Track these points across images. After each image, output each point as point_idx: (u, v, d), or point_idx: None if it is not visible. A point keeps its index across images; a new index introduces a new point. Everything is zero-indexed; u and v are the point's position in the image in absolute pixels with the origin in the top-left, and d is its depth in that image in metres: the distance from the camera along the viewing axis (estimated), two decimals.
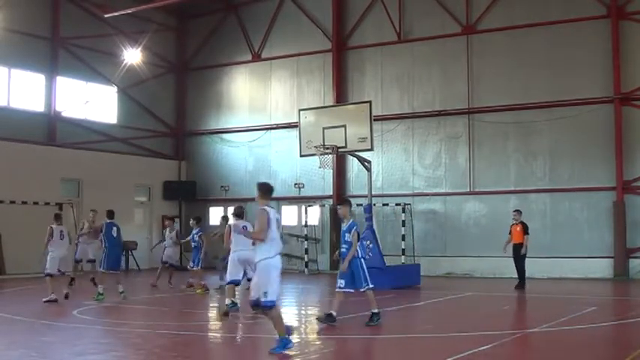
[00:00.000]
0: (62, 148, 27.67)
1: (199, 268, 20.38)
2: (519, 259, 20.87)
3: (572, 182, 24.86)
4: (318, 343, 12.12)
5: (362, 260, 13.23)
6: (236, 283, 15.28)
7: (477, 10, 26.61)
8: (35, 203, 25.60)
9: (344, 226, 13.45)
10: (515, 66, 25.90)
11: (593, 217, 24.57)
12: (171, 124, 32.87)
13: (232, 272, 15.22)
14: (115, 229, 18.22)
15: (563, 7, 25.28)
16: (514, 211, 21.53)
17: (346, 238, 13.23)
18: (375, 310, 13.05)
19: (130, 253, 28.70)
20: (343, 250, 13.23)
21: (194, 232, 20.87)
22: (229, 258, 15.40)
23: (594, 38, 24.85)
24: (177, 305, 17.74)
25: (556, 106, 25.00)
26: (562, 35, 25.19)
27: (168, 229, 22.66)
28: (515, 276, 24.41)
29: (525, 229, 20.75)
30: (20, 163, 25.63)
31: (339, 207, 13.91)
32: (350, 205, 13.85)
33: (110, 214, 18.44)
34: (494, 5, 26.27)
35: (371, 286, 13.14)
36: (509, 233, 21.07)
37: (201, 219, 22.99)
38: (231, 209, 30.61)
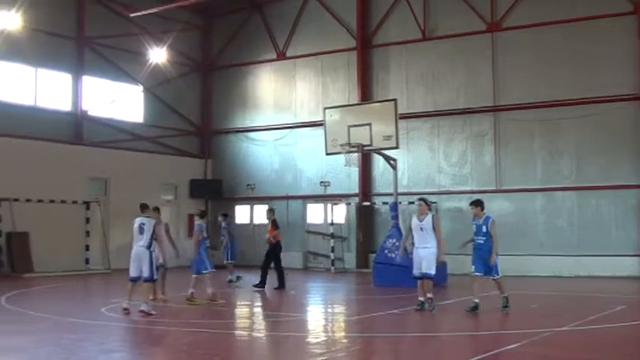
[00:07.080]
0: (89, 147, 27.85)
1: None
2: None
3: (599, 180, 24.63)
4: (344, 341, 12.13)
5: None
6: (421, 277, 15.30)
7: (501, 7, 26.43)
8: (63, 202, 25.84)
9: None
10: (540, 63, 25.69)
11: (620, 215, 24.34)
12: (197, 123, 33.00)
13: (416, 266, 15.37)
14: None
15: (588, 3, 25.01)
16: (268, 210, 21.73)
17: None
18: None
19: None
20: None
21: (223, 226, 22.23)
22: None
23: (620, 35, 24.57)
24: (208, 304, 17.74)
25: (582, 103, 24.76)
26: (587, 32, 24.95)
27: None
28: (540, 274, 24.38)
29: (275, 226, 20.36)
30: (47, 162, 25.82)
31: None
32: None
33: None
34: (518, 2, 26.07)
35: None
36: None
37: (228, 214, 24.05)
38: (259, 207, 31.15)
